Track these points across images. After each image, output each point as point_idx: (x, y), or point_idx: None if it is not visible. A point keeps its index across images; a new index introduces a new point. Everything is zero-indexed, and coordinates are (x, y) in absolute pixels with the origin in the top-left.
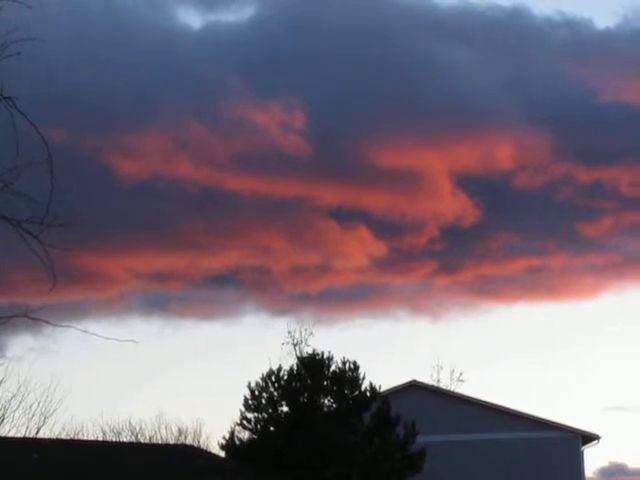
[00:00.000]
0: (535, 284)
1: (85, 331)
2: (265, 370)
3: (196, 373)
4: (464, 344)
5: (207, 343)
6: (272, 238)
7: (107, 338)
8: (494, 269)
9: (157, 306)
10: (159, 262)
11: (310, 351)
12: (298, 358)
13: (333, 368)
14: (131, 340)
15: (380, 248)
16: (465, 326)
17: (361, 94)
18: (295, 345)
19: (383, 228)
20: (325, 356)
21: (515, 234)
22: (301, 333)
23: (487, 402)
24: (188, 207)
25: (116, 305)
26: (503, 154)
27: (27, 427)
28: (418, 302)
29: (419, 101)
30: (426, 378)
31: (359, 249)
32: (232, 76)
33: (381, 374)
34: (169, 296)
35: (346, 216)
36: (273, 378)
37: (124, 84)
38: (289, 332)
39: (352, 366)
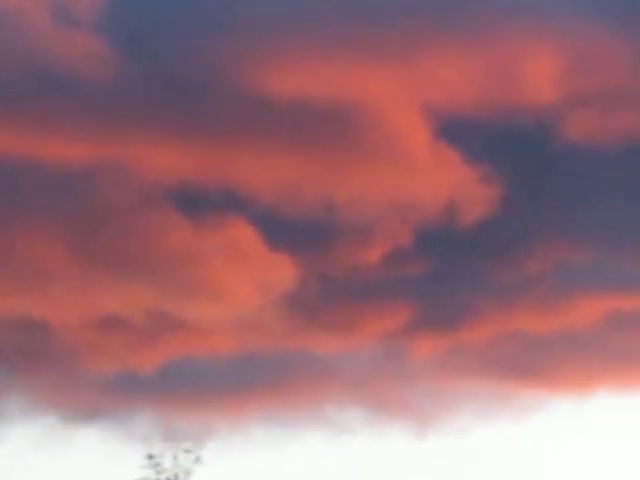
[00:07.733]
0: None
1: None
2: None
3: None
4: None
5: None
6: (47, 255)
7: None
8: (541, 321)
9: None
10: None
11: None
12: None
13: None
14: None
15: (286, 271)
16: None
17: None
18: None
19: (284, 228)
20: None
21: (576, 241)
22: (175, 458)
23: None
24: None
25: None
26: (536, 72)
27: None
28: (373, 393)
29: None
30: None
31: (240, 275)
32: None
33: None
34: None
35: (204, 203)
36: None
37: None
38: (150, 456)
39: None
